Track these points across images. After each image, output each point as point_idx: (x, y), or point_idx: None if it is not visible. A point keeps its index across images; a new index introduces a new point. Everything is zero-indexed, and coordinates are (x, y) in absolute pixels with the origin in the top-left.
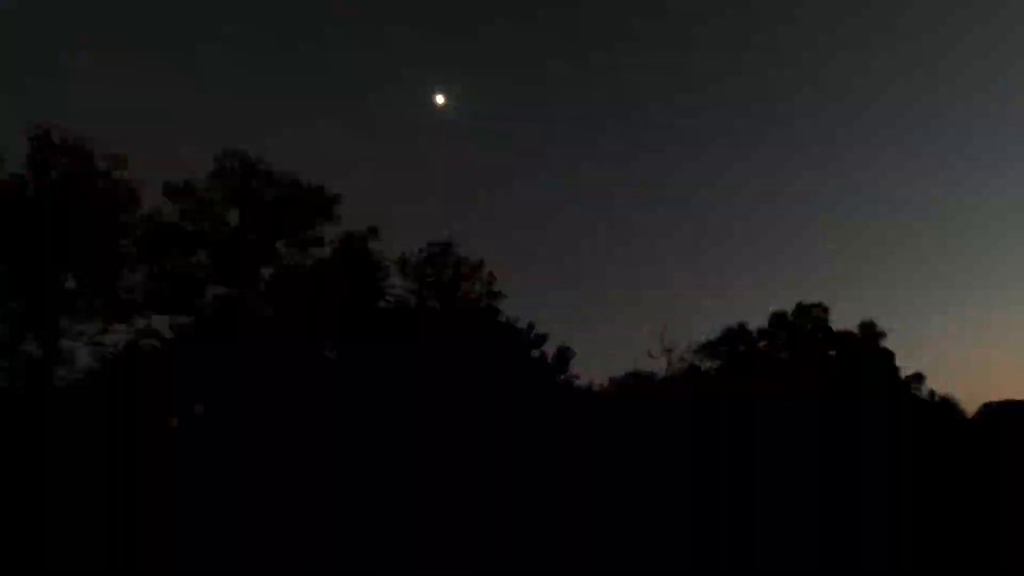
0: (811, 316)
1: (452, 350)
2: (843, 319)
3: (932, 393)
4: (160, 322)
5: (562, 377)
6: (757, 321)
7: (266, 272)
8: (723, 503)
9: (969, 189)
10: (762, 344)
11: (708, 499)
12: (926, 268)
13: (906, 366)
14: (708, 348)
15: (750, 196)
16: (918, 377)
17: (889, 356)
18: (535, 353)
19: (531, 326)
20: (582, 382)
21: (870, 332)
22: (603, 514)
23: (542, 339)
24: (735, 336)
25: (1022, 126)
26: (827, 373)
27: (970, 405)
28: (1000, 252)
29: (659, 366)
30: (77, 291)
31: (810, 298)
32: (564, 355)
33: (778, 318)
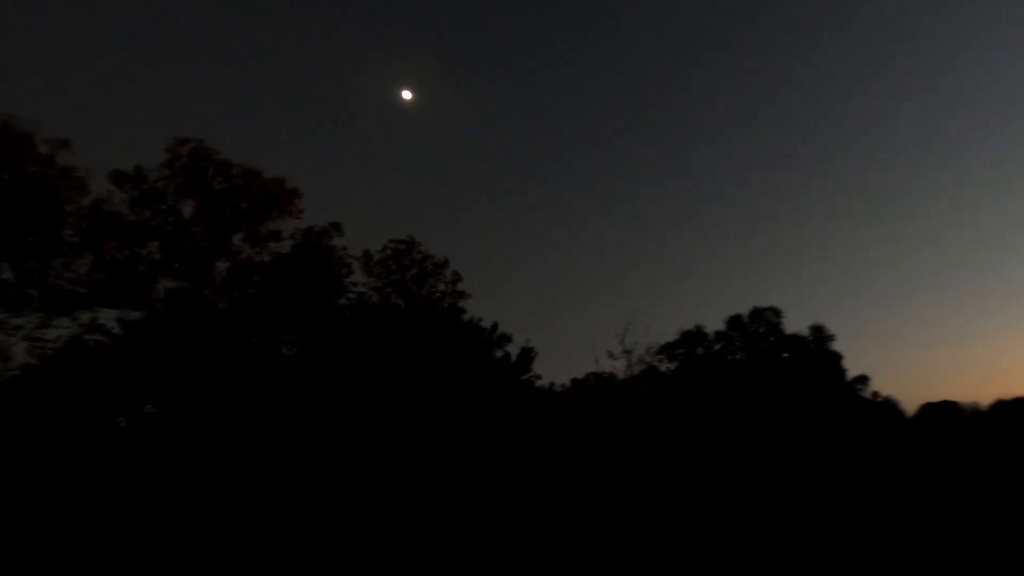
0: (765, 319)
1: (416, 349)
2: (795, 322)
3: (875, 394)
4: (108, 316)
5: (525, 377)
6: (714, 324)
7: (221, 266)
8: (680, 501)
9: (910, 196)
10: (718, 347)
11: (665, 497)
12: (869, 273)
13: (852, 368)
14: (667, 350)
15: (709, 201)
16: (863, 379)
17: (837, 358)
18: (498, 353)
19: (495, 326)
20: (544, 382)
21: (820, 335)
22: (565, 512)
23: (506, 339)
24: (693, 338)
25: (961, 134)
26: (780, 375)
27: (910, 405)
28: (942, 258)
29: (619, 367)
30: (14, 283)
31: (764, 301)
32: (527, 355)
33: (734, 321)
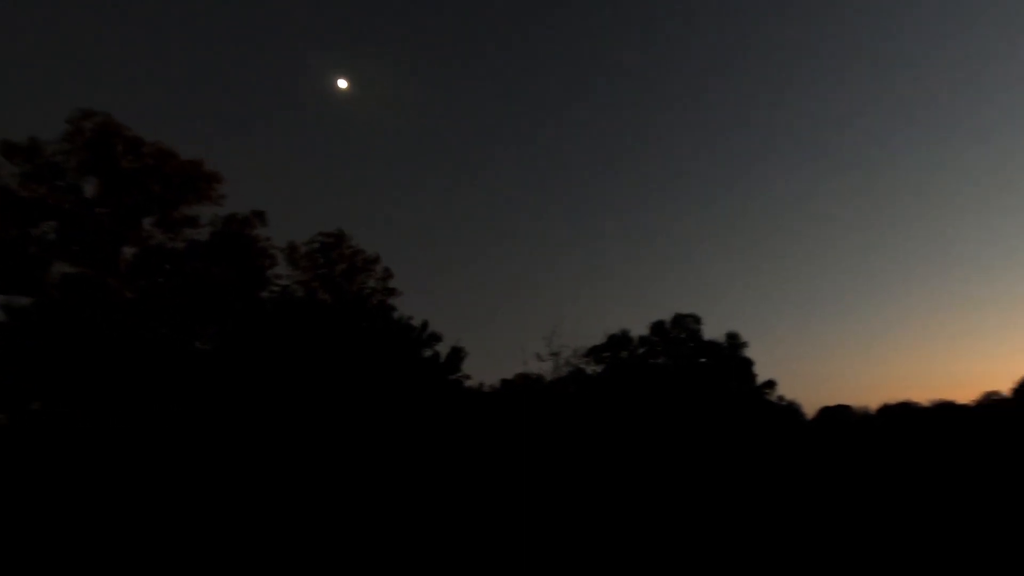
0: (686, 326)
1: (343, 346)
2: (713, 329)
3: (780, 398)
4: None
5: (454, 377)
6: (640, 328)
7: (129, 252)
8: (602, 501)
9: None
10: (643, 351)
11: (591, 495)
12: (778, 282)
13: (761, 373)
14: (593, 353)
15: (638, 207)
16: (770, 383)
17: (748, 364)
18: (428, 353)
19: (425, 325)
20: (473, 383)
21: (734, 342)
22: (490, 512)
23: (435, 339)
24: (619, 342)
25: (854, 144)
26: (698, 379)
27: (810, 408)
28: (841, 271)
29: (547, 369)
30: None
31: (686, 308)
32: (456, 355)
33: (657, 327)
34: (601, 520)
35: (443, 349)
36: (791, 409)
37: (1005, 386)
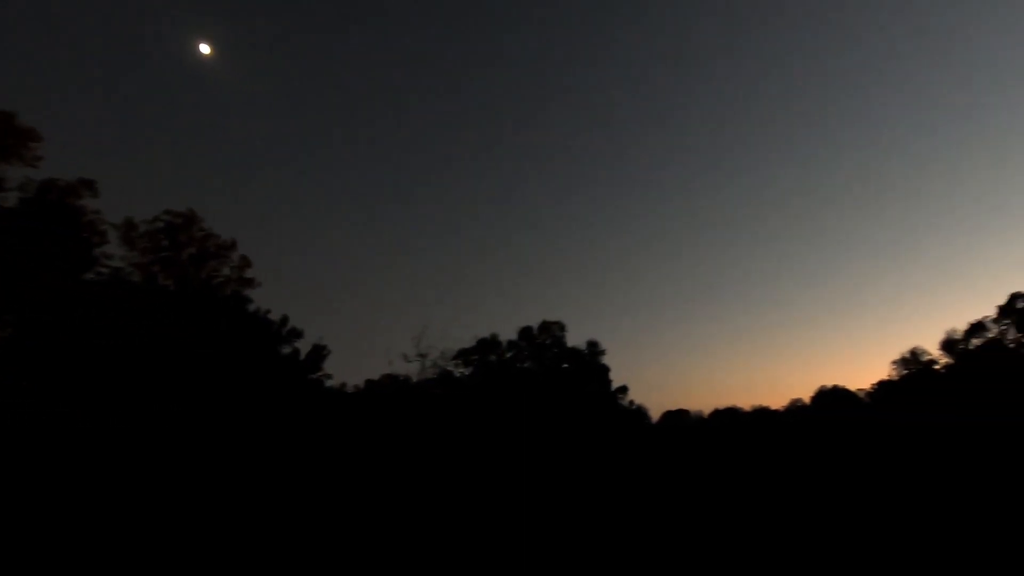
0: (551, 332)
1: (186, 337)
2: (576, 336)
3: (631, 402)
4: None
5: (315, 376)
6: (509, 333)
7: None
8: (464, 499)
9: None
10: (510, 355)
11: (451, 497)
12: (631, 294)
13: (616, 379)
14: (462, 356)
15: (513, 212)
16: (623, 389)
17: (605, 371)
18: (287, 349)
19: (285, 319)
20: (337, 382)
21: (594, 350)
22: (352, 513)
23: (296, 335)
24: (488, 346)
25: (697, 175)
26: (561, 384)
27: (655, 412)
28: (686, 286)
29: (414, 370)
30: None
31: (552, 316)
32: (318, 353)
33: (525, 332)
34: (463, 517)
35: (304, 346)
36: (639, 413)
37: (807, 394)
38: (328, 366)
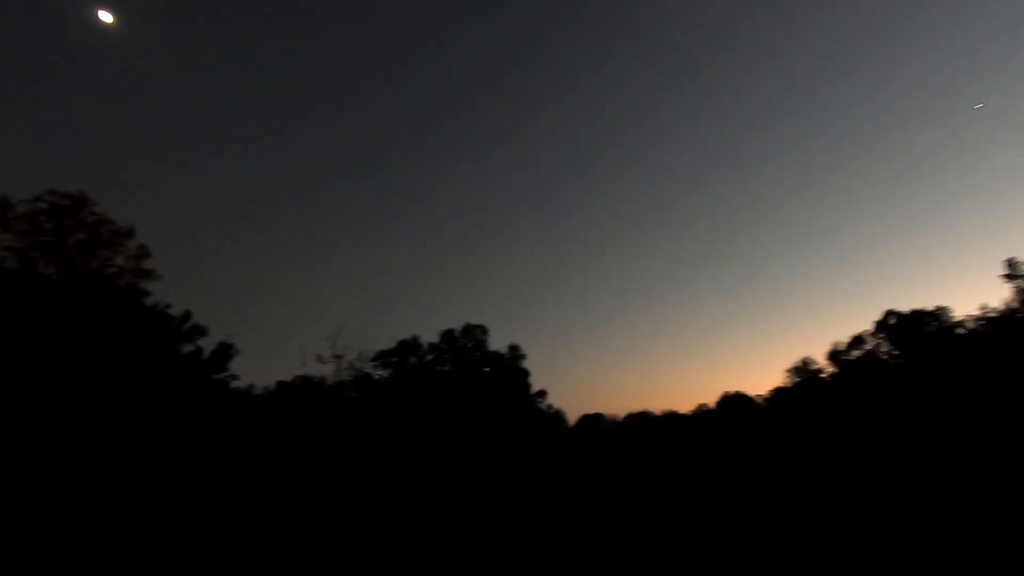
0: (473, 336)
1: (70, 330)
2: (498, 340)
3: (550, 406)
4: None
5: (219, 376)
6: (430, 335)
7: None
8: (378, 503)
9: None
10: (431, 357)
11: (367, 501)
12: (549, 298)
13: (535, 383)
14: (381, 357)
15: (427, 216)
16: (542, 393)
17: (525, 374)
18: (189, 347)
19: (187, 315)
20: (245, 383)
21: (515, 354)
22: (260, 517)
23: (199, 332)
24: (408, 348)
25: (613, 188)
26: (481, 387)
27: (572, 416)
28: (601, 293)
29: (328, 371)
30: None
31: (474, 320)
32: (224, 352)
33: (447, 335)
34: (374, 522)
35: (209, 345)
36: (557, 416)
37: (712, 399)
38: (237, 366)
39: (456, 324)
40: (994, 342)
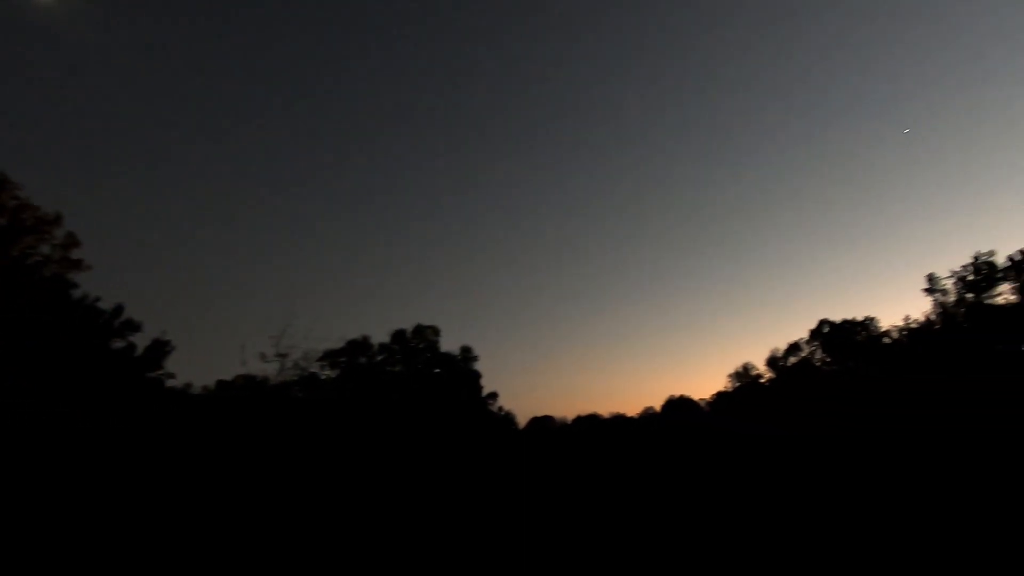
0: (425, 337)
1: None
2: (449, 341)
3: (500, 408)
4: None
5: (154, 374)
6: (381, 336)
7: None
8: (327, 507)
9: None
10: (381, 358)
11: (311, 502)
12: (500, 301)
13: (486, 385)
14: (329, 357)
15: (378, 215)
16: (493, 395)
17: (477, 376)
18: (120, 343)
19: (119, 309)
20: (181, 382)
21: (467, 355)
22: (200, 522)
23: (132, 327)
24: (357, 348)
25: (568, 193)
26: (432, 388)
27: (522, 418)
28: (551, 297)
29: (272, 371)
30: None
31: (425, 321)
32: (159, 349)
33: (398, 335)
34: (323, 523)
35: (143, 341)
36: (508, 418)
37: (658, 402)
38: (173, 365)
39: (408, 325)
40: (914, 352)
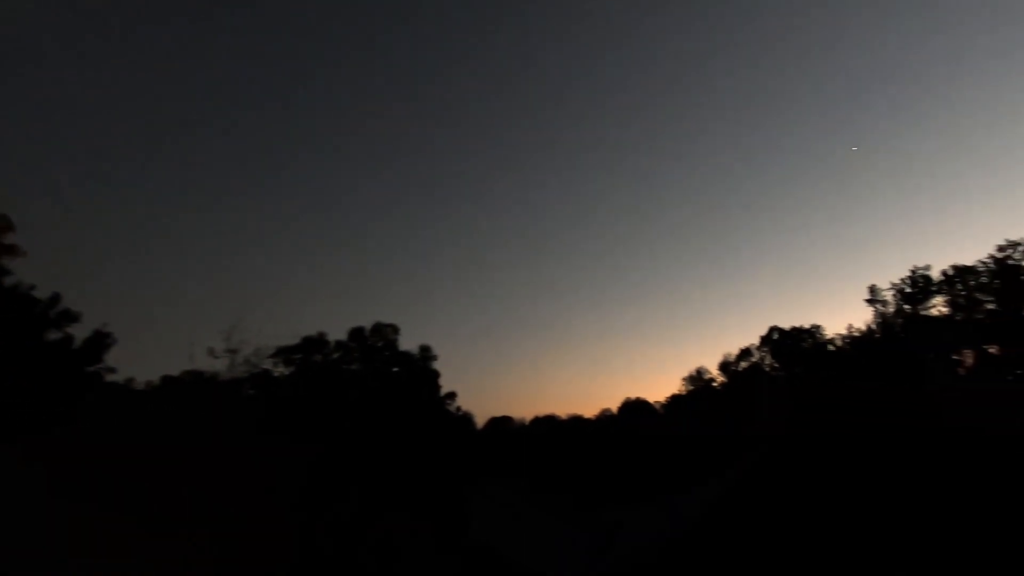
0: (384, 335)
1: None
2: (409, 340)
3: (459, 408)
4: None
5: (93, 368)
6: (339, 333)
7: None
8: (278, 503)
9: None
10: (337, 355)
11: (264, 501)
12: (460, 299)
13: (445, 384)
14: (283, 354)
15: (334, 208)
16: (452, 395)
17: (436, 376)
18: (56, 334)
19: (55, 299)
20: (123, 376)
21: (426, 355)
22: (139, 525)
23: (70, 318)
24: (313, 345)
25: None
26: (390, 387)
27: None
28: (511, 296)
29: (221, 367)
30: None
31: (384, 319)
32: (99, 341)
33: (356, 333)
34: (269, 529)
35: (82, 332)
36: (466, 419)
37: (615, 404)
38: (115, 359)
39: (367, 323)
40: (856, 360)
